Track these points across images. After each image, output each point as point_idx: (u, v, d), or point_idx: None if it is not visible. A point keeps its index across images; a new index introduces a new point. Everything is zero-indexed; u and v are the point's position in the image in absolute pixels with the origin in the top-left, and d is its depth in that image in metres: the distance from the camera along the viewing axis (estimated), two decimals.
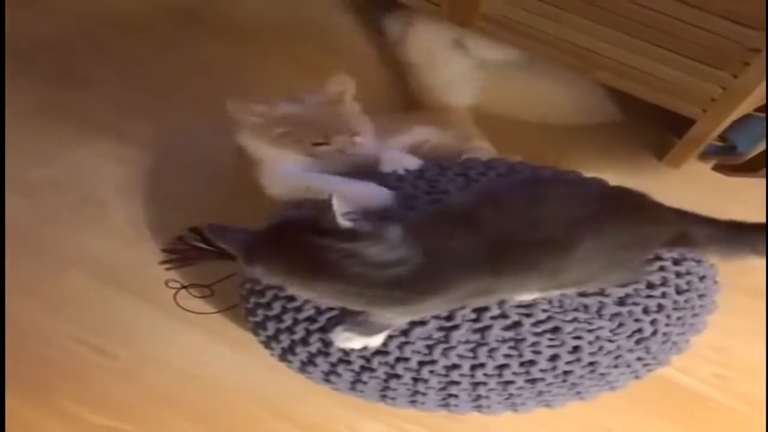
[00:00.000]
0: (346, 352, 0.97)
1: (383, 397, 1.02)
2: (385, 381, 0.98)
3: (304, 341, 0.99)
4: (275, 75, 1.52)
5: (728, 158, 1.44)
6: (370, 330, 0.92)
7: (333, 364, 0.99)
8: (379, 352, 0.96)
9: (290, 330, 0.99)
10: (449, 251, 0.82)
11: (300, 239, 0.80)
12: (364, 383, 0.99)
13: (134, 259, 1.30)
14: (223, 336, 1.24)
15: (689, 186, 1.39)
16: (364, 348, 0.95)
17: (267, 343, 1.05)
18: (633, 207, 0.92)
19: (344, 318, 0.94)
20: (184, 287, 1.27)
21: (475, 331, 0.94)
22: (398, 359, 0.96)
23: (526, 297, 0.92)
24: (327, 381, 1.02)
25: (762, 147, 1.41)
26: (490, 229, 0.83)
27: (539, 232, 0.83)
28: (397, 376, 0.97)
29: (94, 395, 1.20)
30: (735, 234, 0.93)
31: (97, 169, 1.41)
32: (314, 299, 0.93)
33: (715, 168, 1.48)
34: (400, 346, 0.96)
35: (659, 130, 1.50)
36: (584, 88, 1.46)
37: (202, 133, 1.41)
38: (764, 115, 1.36)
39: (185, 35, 1.58)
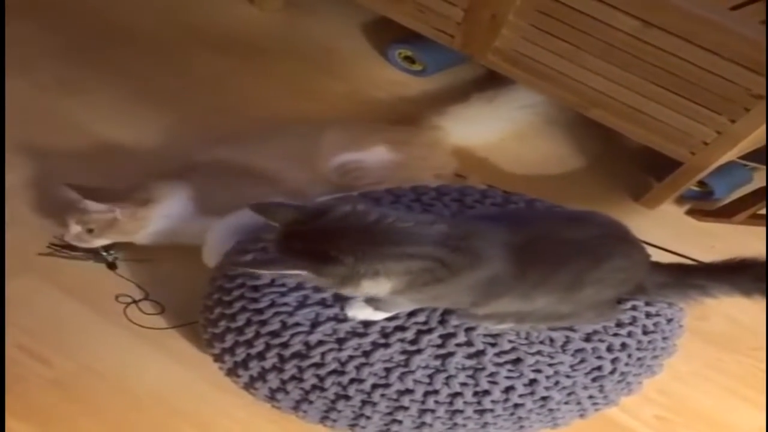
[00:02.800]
0: (300, 369, 1.05)
1: (324, 418, 1.11)
2: (333, 402, 1.07)
3: (261, 355, 1.07)
4: (270, 94, 1.71)
5: (704, 203, 1.56)
6: (384, 307, 1.04)
7: (284, 381, 1.07)
8: (335, 371, 1.05)
9: (249, 343, 1.08)
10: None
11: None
12: (310, 403, 1.08)
13: (90, 268, 1.38)
14: (168, 352, 1.29)
15: (660, 228, 1.53)
16: (351, 334, 1.03)
17: (219, 356, 1.13)
18: (636, 248, 1.06)
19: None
20: (134, 302, 1.35)
21: (437, 357, 1.05)
22: (353, 380, 1.05)
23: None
24: (272, 398, 1.11)
25: (737, 194, 1.52)
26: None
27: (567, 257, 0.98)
28: (347, 398, 1.06)
29: (23, 402, 1.24)
30: (683, 278, 1.06)
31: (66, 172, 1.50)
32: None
33: (690, 212, 1.64)
34: (359, 367, 1.05)
35: (639, 171, 1.69)
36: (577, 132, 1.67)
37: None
38: (746, 162, 1.47)
39: (187, 50, 1.79)
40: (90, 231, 1.34)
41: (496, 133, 1.65)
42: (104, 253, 1.39)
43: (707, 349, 1.39)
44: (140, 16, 1.88)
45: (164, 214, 1.35)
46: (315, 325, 1.07)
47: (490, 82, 1.81)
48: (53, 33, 1.80)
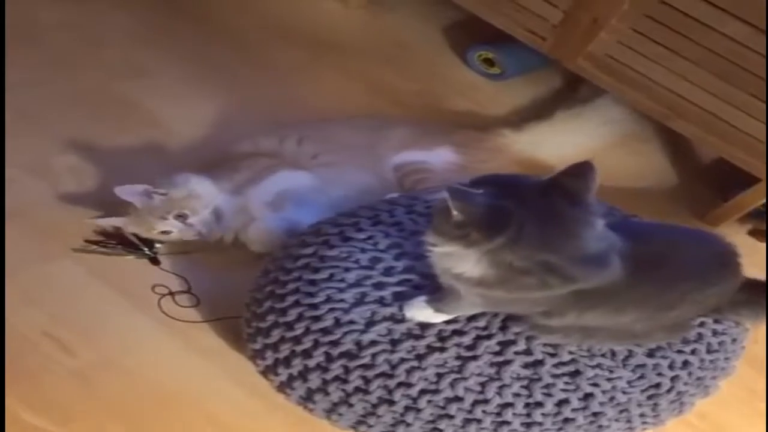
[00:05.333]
0: (346, 369, 1.14)
1: (360, 423, 1.20)
2: (374, 406, 1.16)
3: (307, 353, 1.16)
4: (341, 87, 1.85)
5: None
6: (446, 309, 1.12)
7: (326, 381, 1.16)
8: (383, 374, 1.15)
9: (297, 339, 1.17)
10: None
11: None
12: (350, 406, 1.17)
13: (127, 260, 1.49)
14: (198, 347, 1.39)
15: None
16: (407, 336, 1.10)
17: (260, 352, 1.21)
18: (738, 274, 1.14)
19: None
20: (171, 293, 1.46)
21: (493, 364, 1.15)
22: (401, 384, 1.15)
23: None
24: (307, 399, 1.19)
25: None
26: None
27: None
28: (390, 402, 1.15)
29: (40, 394, 1.34)
30: (760, 297, 1.15)
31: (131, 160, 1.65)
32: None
33: (751, 232, 1.79)
34: (410, 371, 1.15)
35: (704, 188, 1.84)
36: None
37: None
38: None
39: (263, 39, 1.94)
40: (181, 216, 1.41)
41: (576, 149, 1.76)
42: (146, 249, 1.50)
43: (749, 372, 1.50)
44: (218, 4, 2.05)
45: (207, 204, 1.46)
46: (370, 324, 1.17)
47: (563, 91, 2.00)
48: (126, 13, 1.94)
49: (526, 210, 0.95)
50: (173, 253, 1.52)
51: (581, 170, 0.99)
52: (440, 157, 1.58)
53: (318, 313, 1.18)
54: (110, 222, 1.48)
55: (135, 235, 1.49)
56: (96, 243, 1.50)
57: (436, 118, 1.83)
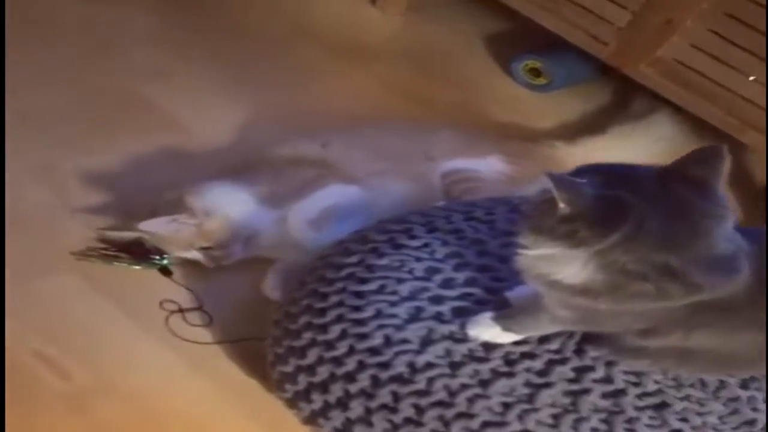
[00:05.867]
0: (396, 397, 0.99)
1: None
2: None
3: (350, 376, 1.01)
4: (375, 95, 1.76)
5: None
6: (517, 327, 0.99)
7: (370, 411, 1.01)
8: (440, 403, 1.01)
9: (338, 361, 1.03)
10: None
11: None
12: None
13: (136, 272, 1.36)
14: (208, 372, 1.25)
15: None
16: (468, 358, 0.97)
17: (290, 376, 1.08)
18: None
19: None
20: (181, 310, 1.32)
21: (568, 393, 1.01)
22: (460, 415, 1.01)
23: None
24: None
25: None
26: None
27: None
28: None
29: (28, 422, 1.17)
30: None
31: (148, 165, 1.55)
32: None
33: None
34: (472, 399, 1.02)
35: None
36: None
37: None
38: None
39: (292, 44, 1.87)
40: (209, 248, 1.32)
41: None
42: (157, 258, 1.36)
43: None
44: (249, 5, 1.96)
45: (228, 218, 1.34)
46: (426, 343, 1.04)
47: (612, 106, 1.88)
48: (146, 12, 1.85)
49: (644, 202, 0.83)
50: (187, 264, 1.36)
51: (710, 154, 0.86)
52: (490, 166, 1.47)
53: (365, 330, 1.05)
54: (124, 236, 1.34)
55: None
56: (99, 250, 1.35)
57: (479, 129, 1.74)
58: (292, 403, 1.12)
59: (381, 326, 1.05)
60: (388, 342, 1.04)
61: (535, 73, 1.89)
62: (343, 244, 1.18)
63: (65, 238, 1.39)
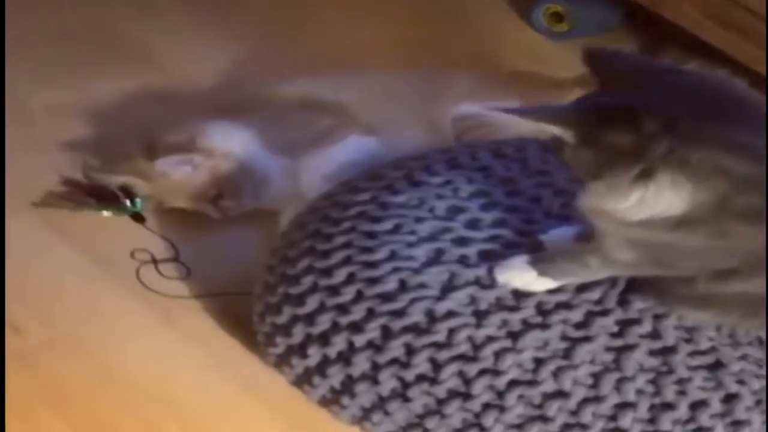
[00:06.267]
0: (410, 350, 0.86)
1: (412, 427, 0.88)
2: (442, 402, 0.87)
3: (356, 326, 0.88)
4: (382, 39, 1.61)
5: None
6: (555, 272, 0.87)
7: (377, 367, 0.88)
8: (462, 357, 0.87)
9: (343, 309, 0.89)
10: None
11: None
12: (405, 401, 0.88)
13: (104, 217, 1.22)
14: (181, 330, 1.09)
15: None
16: (496, 307, 0.86)
17: (284, 328, 0.93)
18: None
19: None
20: (154, 261, 1.17)
21: (610, 350, 0.89)
22: (484, 372, 0.87)
23: None
24: (340, 393, 0.90)
25: None
26: None
27: None
28: (467, 397, 0.87)
29: None
30: None
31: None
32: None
33: None
34: (499, 354, 0.89)
35: None
36: None
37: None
38: None
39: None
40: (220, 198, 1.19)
41: None
42: (128, 202, 1.20)
43: None
44: None
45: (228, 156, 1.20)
46: (447, 289, 0.91)
47: None
48: None
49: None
50: (161, 210, 1.22)
51: None
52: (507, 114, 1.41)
53: (377, 273, 0.92)
54: (115, 180, 1.18)
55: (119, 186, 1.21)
56: (64, 196, 1.21)
57: (496, 76, 1.60)
58: (282, 359, 0.98)
59: (396, 269, 0.92)
60: (403, 287, 0.91)
61: (557, 18, 1.78)
62: (351, 183, 1.05)
63: (27, 178, 1.22)
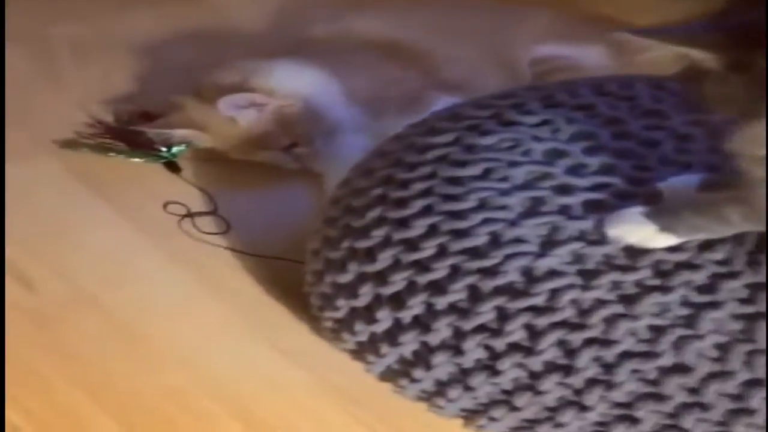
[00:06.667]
0: (503, 315, 0.73)
1: (486, 407, 0.77)
2: (535, 376, 0.74)
3: (437, 286, 0.76)
4: None
5: None
6: (680, 226, 0.74)
7: (461, 334, 0.74)
8: (566, 324, 0.73)
9: (422, 266, 0.77)
10: None
11: None
12: (494, 372, 0.74)
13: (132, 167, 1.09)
14: (219, 288, 0.96)
15: None
16: (606, 266, 0.74)
17: (345, 289, 0.81)
18: None
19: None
20: (189, 214, 1.03)
21: (739, 318, 0.74)
22: (592, 341, 0.73)
23: None
24: (413, 365, 0.78)
25: None
26: None
27: None
28: (569, 370, 0.73)
29: None
30: None
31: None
32: None
33: None
34: (610, 320, 0.74)
35: None
36: None
37: None
38: None
39: None
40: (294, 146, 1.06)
41: None
42: (164, 150, 1.08)
43: None
44: None
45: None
46: (548, 245, 0.77)
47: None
48: None
49: None
50: (198, 159, 1.09)
51: None
52: (592, 57, 1.20)
53: (464, 224, 0.78)
54: (173, 135, 1.05)
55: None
56: (91, 138, 1.08)
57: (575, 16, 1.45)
58: (341, 325, 0.85)
59: (487, 221, 0.79)
60: (495, 241, 0.77)
61: None
62: (426, 124, 0.90)
63: (48, 118, 1.11)
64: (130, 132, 1.09)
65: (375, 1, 1.28)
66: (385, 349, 0.83)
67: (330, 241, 0.88)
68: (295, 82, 1.07)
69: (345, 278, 0.84)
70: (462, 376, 0.80)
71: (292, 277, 0.94)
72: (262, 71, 1.07)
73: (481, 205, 0.80)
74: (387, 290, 0.81)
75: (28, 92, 1.14)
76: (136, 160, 1.09)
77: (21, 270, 0.95)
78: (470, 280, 0.78)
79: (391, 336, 0.82)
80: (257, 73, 1.06)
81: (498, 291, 0.78)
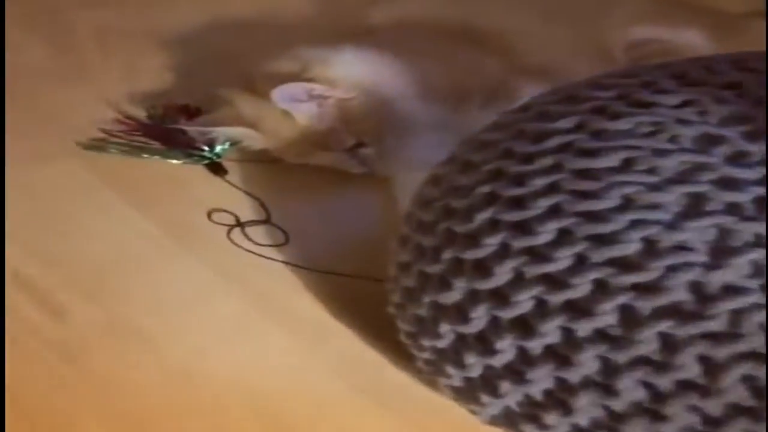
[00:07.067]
0: (669, 344, 0.49)
1: None
2: (714, 422, 0.49)
3: (574, 307, 0.51)
4: None
5: None
6: None
7: (612, 368, 0.50)
8: (751, 355, 0.49)
9: (578, 271, 0.52)
10: None
11: None
12: (660, 418, 0.50)
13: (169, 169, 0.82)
14: (280, 313, 0.70)
15: None
16: None
17: (461, 310, 0.55)
18: None
19: None
20: (239, 224, 0.77)
21: None
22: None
23: None
24: (535, 407, 0.53)
25: None
26: None
27: None
28: (753, 414, 0.49)
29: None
30: None
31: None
32: None
33: None
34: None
35: None
36: None
37: None
38: None
39: None
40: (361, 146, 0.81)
41: None
42: (206, 149, 0.82)
43: None
44: None
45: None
46: (720, 253, 0.51)
47: None
48: None
49: None
50: (246, 161, 0.83)
51: None
52: (690, 40, 0.94)
53: (606, 228, 0.52)
54: (224, 134, 0.81)
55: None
56: (121, 137, 0.82)
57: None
58: (442, 357, 0.58)
59: (636, 223, 0.52)
60: (650, 249, 0.52)
61: None
62: (533, 109, 0.63)
63: (71, 115, 0.85)
64: (166, 130, 0.82)
65: None
66: (505, 387, 0.56)
67: (426, 252, 0.60)
68: (361, 72, 0.81)
69: (450, 298, 0.57)
70: (613, 423, 0.53)
71: (363, 296, 0.70)
72: (323, 59, 0.80)
73: (626, 204, 0.53)
74: (508, 313, 0.55)
75: (48, 86, 0.87)
76: (174, 161, 0.82)
77: (47, 294, 0.68)
78: (622, 299, 0.52)
79: (515, 371, 0.55)
80: (317, 62, 0.80)
81: (659, 313, 0.51)
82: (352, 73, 0.80)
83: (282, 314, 0.69)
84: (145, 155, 0.82)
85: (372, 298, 0.67)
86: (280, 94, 0.77)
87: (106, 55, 0.94)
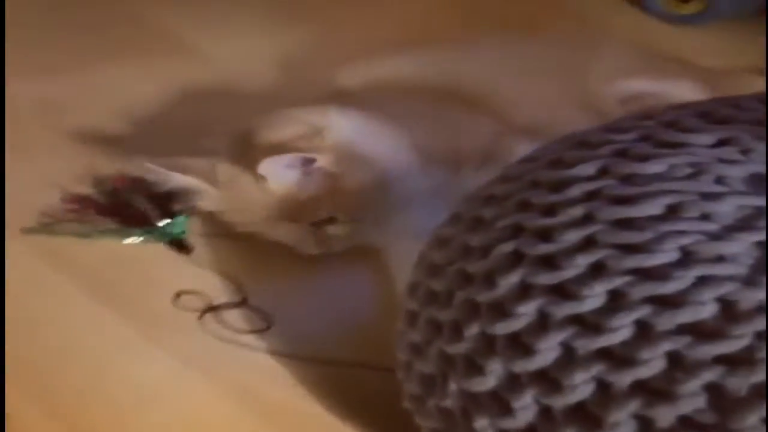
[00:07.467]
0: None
1: None
2: None
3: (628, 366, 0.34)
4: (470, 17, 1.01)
5: None
6: None
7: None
8: None
9: None
10: None
11: None
12: None
13: (123, 250, 0.61)
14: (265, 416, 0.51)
15: None
16: None
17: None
18: None
19: None
20: (212, 308, 0.56)
21: None
22: None
23: None
24: None
25: None
26: None
27: None
28: None
29: None
30: None
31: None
32: None
33: None
34: None
35: None
36: None
37: None
38: None
39: None
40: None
41: None
42: (166, 224, 0.63)
43: None
44: None
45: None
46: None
47: None
48: None
49: None
50: (219, 235, 0.63)
51: None
52: (683, 93, 0.79)
53: (669, 288, 0.37)
54: (175, 180, 0.62)
55: (149, 195, 0.62)
56: (70, 216, 0.62)
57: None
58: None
59: (702, 280, 0.37)
60: (728, 311, 0.36)
61: None
62: (542, 158, 0.47)
63: (12, 196, 0.63)
64: (119, 205, 0.63)
65: (409, 42, 0.85)
66: None
67: (443, 328, 0.43)
68: (354, 138, 0.64)
69: (484, 384, 0.40)
70: None
71: (359, 386, 0.52)
72: (322, 124, 0.63)
73: (685, 257, 0.38)
74: (561, 400, 0.37)
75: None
76: (131, 240, 0.62)
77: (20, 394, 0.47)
78: (701, 376, 0.35)
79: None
80: (318, 128, 0.62)
81: (743, 398, 0.34)
82: (346, 138, 0.63)
83: (265, 408, 0.50)
84: (98, 235, 0.63)
85: (370, 387, 0.50)
86: (273, 163, 0.60)
87: (50, 128, 0.73)
